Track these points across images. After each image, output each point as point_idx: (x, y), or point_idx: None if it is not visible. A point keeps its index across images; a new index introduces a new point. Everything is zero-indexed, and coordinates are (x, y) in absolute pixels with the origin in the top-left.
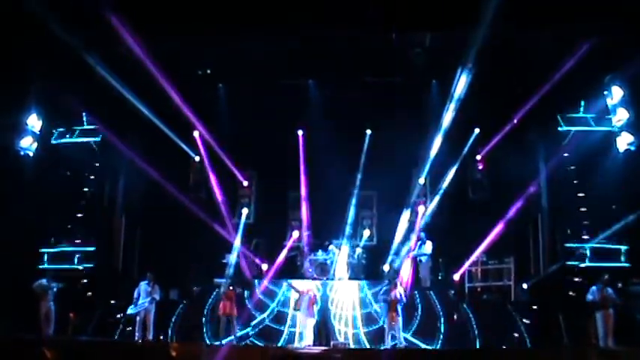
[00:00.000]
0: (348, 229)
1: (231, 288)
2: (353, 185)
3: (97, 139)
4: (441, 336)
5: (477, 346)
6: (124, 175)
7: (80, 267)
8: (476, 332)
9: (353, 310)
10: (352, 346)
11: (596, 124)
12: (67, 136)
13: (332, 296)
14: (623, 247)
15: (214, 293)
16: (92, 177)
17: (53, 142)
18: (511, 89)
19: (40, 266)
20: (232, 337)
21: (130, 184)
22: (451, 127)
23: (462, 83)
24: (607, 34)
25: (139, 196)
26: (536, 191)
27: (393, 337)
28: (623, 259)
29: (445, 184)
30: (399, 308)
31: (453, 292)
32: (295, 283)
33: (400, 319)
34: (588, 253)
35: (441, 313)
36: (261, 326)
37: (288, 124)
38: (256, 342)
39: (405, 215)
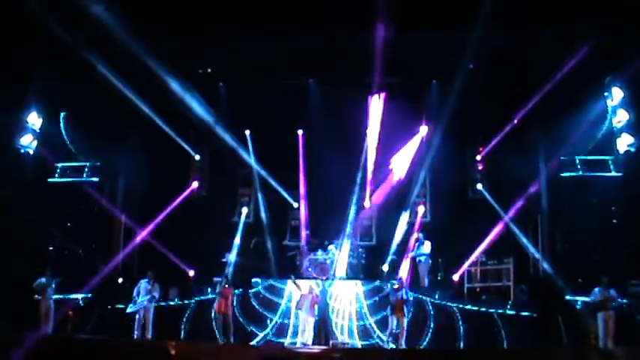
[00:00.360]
0: (348, 229)
1: (226, 286)
2: (353, 184)
3: (85, 178)
4: (429, 336)
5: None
6: (124, 174)
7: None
8: (461, 332)
9: (350, 307)
10: (350, 342)
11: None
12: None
13: (331, 295)
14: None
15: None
16: (92, 175)
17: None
18: (511, 89)
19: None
20: (230, 335)
21: (130, 183)
22: (452, 126)
23: (462, 83)
24: (607, 34)
25: (139, 194)
26: (536, 191)
27: (395, 338)
28: None
29: (445, 184)
30: (406, 309)
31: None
32: (299, 282)
33: (406, 320)
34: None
35: (432, 314)
36: (277, 324)
37: (288, 122)
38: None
39: (405, 215)
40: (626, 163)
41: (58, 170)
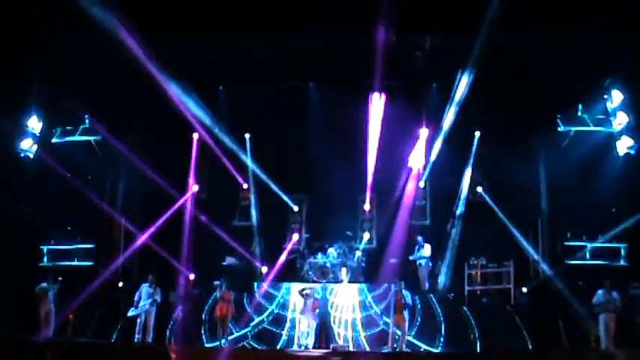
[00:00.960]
0: (349, 232)
1: (225, 290)
2: (354, 188)
3: (99, 137)
4: (442, 338)
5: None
6: (124, 177)
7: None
8: (477, 334)
9: (353, 313)
10: (352, 349)
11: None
12: (68, 135)
13: (332, 299)
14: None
15: (213, 296)
16: (92, 178)
17: (54, 140)
18: (511, 92)
19: (40, 264)
20: (225, 338)
21: (130, 186)
22: (452, 130)
23: (462, 86)
24: (607, 36)
25: (139, 197)
26: (536, 194)
27: (397, 341)
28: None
29: (445, 186)
30: (406, 312)
31: (452, 294)
32: (304, 289)
33: (407, 323)
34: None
35: (441, 316)
36: (259, 328)
37: (288, 126)
38: (254, 344)
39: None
40: (626, 165)
41: (80, 130)
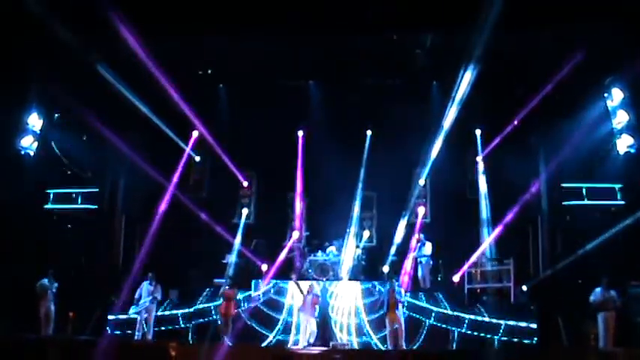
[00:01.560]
0: (351, 230)
1: (228, 288)
2: (353, 186)
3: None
4: (422, 337)
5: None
6: (124, 175)
7: None
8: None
9: (351, 309)
10: (353, 339)
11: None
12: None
13: (332, 296)
14: None
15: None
16: (92, 176)
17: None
18: (512, 91)
19: None
20: (229, 336)
21: (131, 184)
22: (452, 128)
23: (462, 84)
24: (607, 35)
25: (140, 195)
26: (536, 192)
27: (395, 339)
28: None
29: (445, 185)
30: (400, 309)
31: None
32: (301, 283)
33: (402, 320)
34: None
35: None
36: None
37: (288, 124)
38: (259, 329)
39: (405, 217)
40: (626, 164)
41: (51, 197)
